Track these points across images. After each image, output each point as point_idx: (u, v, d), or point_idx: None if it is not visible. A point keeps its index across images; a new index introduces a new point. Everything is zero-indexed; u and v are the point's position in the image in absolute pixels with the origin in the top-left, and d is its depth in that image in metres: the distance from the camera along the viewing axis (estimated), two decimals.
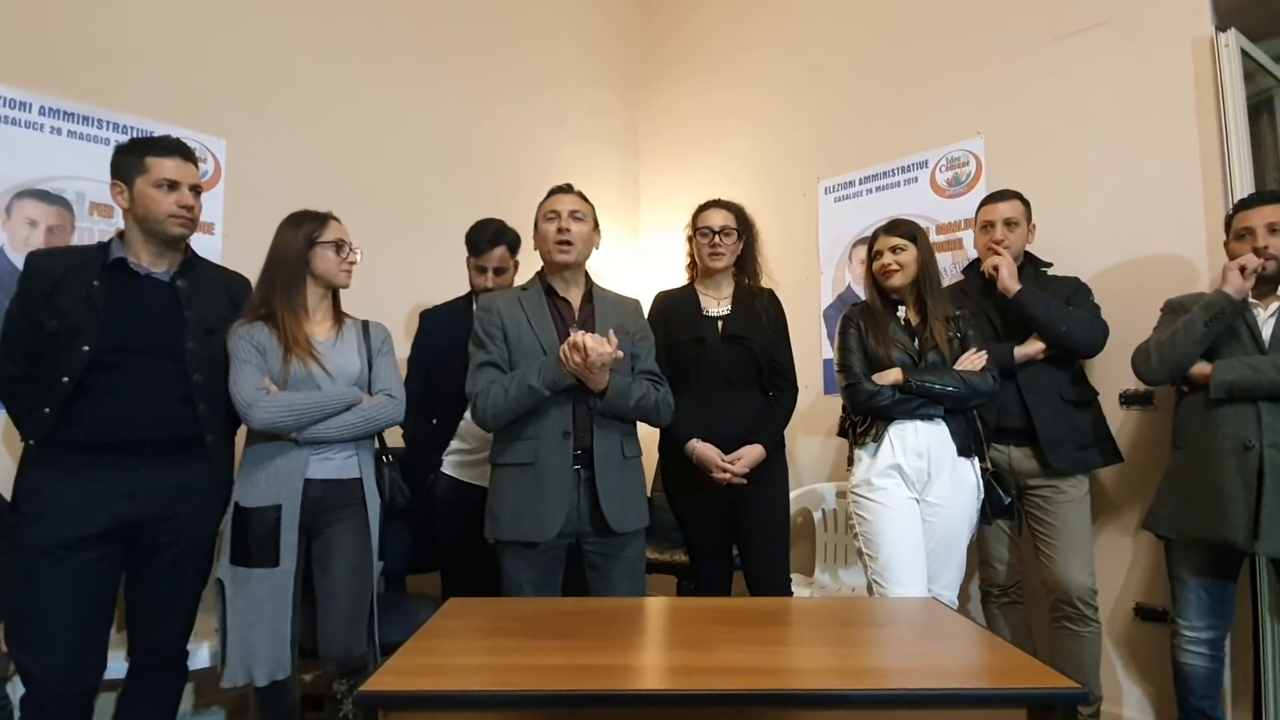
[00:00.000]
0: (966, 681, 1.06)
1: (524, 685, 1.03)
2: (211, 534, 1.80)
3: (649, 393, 1.86)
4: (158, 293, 1.70)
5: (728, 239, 2.13)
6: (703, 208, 2.19)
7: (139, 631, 1.71)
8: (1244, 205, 1.91)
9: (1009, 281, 2.13)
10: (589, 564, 1.84)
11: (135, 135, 2.30)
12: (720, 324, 2.13)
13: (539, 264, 1.97)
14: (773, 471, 2.11)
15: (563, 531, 1.76)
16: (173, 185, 1.67)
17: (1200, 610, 1.89)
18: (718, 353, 2.10)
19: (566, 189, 1.94)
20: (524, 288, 1.94)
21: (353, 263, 1.90)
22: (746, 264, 2.20)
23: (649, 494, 2.24)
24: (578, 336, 1.68)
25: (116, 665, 1.71)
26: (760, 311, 2.15)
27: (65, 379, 1.58)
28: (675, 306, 2.19)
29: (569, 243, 1.85)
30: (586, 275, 1.97)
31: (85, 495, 1.59)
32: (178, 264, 1.75)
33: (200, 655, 1.96)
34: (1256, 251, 1.82)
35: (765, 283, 2.25)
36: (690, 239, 2.21)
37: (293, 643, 1.79)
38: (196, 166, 1.73)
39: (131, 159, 1.67)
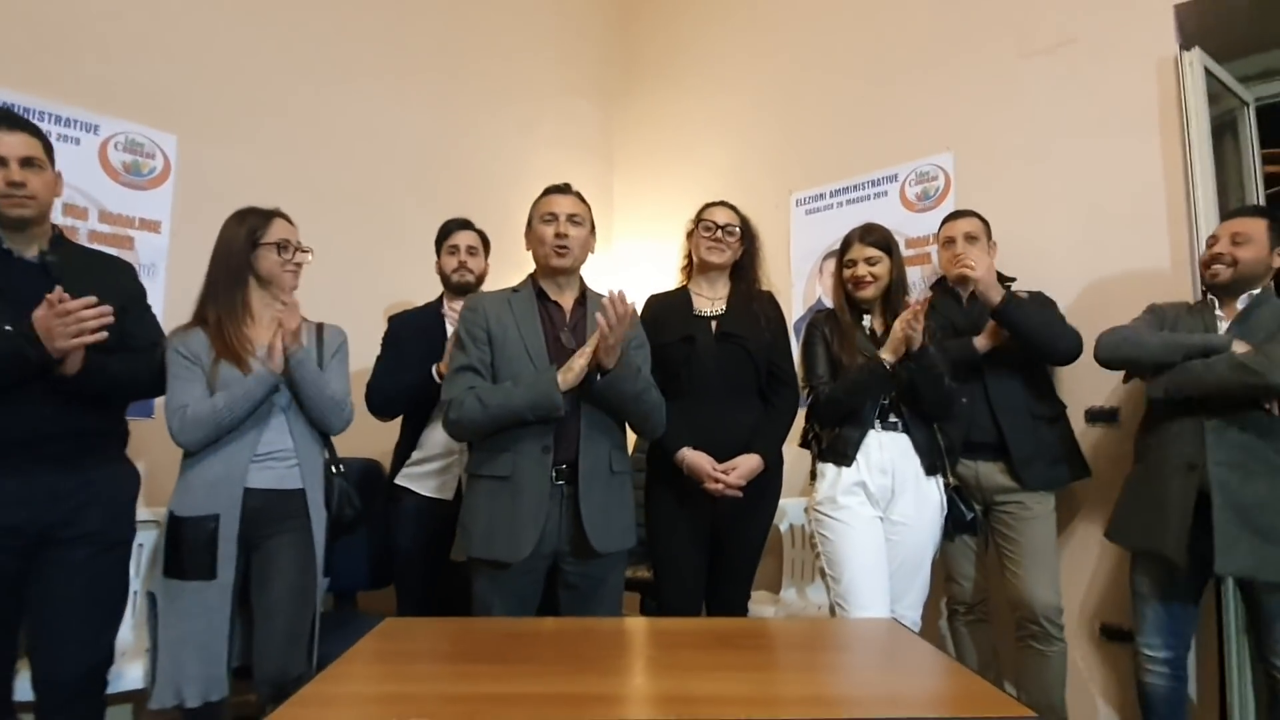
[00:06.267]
0: (925, 710, 1.01)
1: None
2: (124, 538, 1.70)
3: (652, 388, 1.76)
4: (28, 272, 1.56)
5: (730, 236, 2.04)
6: (709, 205, 2.09)
7: (44, 662, 1.55)
8: (1226, 216, 1.97)
9: (990, 292, 2.06)
10: (564, 584, 1.72)
11: (79, 128, 2.23)
12: (713, 324, 2.00)
13: (523, 267, 1.90)
14: (765, 493, 1.97)
15: (539, 552, 1.65)
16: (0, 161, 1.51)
17: (1158, 628, 1.88)
18: (710, 354, 1.95)
19: (564, 189, 1.84)
20: (515, 289, 1.84)
21: (298, 264, 1.82)
22: (746, 270, 2.10)
23: None
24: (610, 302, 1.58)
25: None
26: (758, 313, 2.02)
27: None
28: (665, 308, 2.07)
29: (566, 248, 1.77)
30: (580, 279, 1.89)
31: None
32: (45, 244, 1.62)
33: (131, 675, 1.85)
34: (1215, 257, 1.88)
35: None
36: (690, 235, 2.12)
37: (229, 662, 1.69)
38: (35, 135, 1.57)
39: None
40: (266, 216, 1.81)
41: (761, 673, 1.19)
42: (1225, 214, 1.99)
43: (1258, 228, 1.85)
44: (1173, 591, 1.86)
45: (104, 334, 1.48)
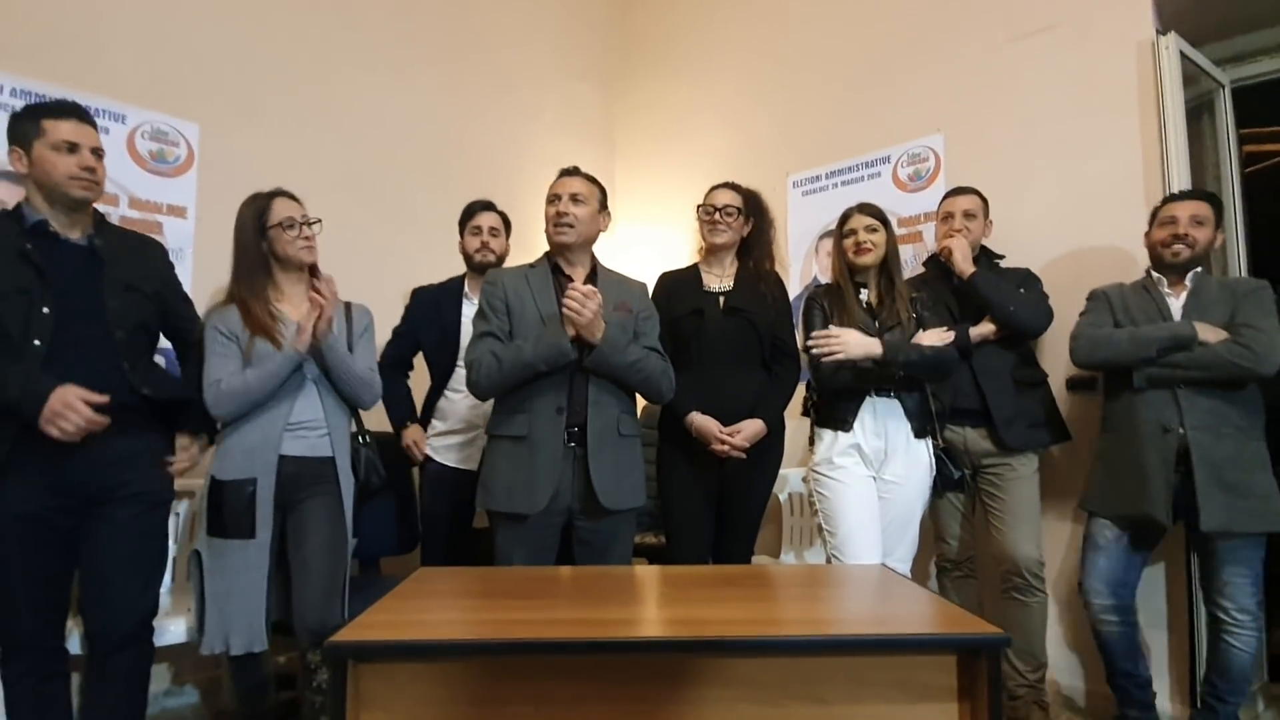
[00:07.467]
0: (899, 628, 1.14)
1: (495, 635, 1.08)
2: (165, 499, 1.80)
3: (648, 357, 1.88)
4: (78, 255, 1.67)
5: (729, 217, 2.15)
6: (714, 187, 2.20)
7: (97, 611, 1.67)
8: (1171, 199, 2.07)
9: (963, 264, 2.24)
10: (578, 539, 1.87)
11: (108, 117, 2.33)
12: (721, 299, 2.14)
13: (529, 248, 2.01)
14: (769, 454, 2.12)
15: (555, 508, 1.79)
16: (72, 147, 1.62)
17: (1105, 578, 2.02)
18: (717, 326, 2.10)
19: (573, 171, 1.98)
20: (532, 265, 1.98)
21: (308, 237, 1.90)
22: (755, 248, 2.22)
23: None
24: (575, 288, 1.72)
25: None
26: (764, 291, 2.15)
27: (36, 342, 1.56)
28: (677, 283, 2.21)
29: (569, 225, 1.90)
30: (592, 255, 2.01)
31: (37, 467, 1.58)
32: (90, 228, 1.72)
33: (175, 631, 1.96)
34: (1176, 237, 1.98)
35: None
36: (699, 216, 2.24)
37: (267, 618, 1.83)
38: (95, 130, 1.70)
39: (28, 124, 1.63)
40: (269, 198, 1.90)
41: (763, 603, 1.33)
42: (1170, 197, 2.07)
43: (1208, 211, 2.00)
44: (1130, 544, 2.01)
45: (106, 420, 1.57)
